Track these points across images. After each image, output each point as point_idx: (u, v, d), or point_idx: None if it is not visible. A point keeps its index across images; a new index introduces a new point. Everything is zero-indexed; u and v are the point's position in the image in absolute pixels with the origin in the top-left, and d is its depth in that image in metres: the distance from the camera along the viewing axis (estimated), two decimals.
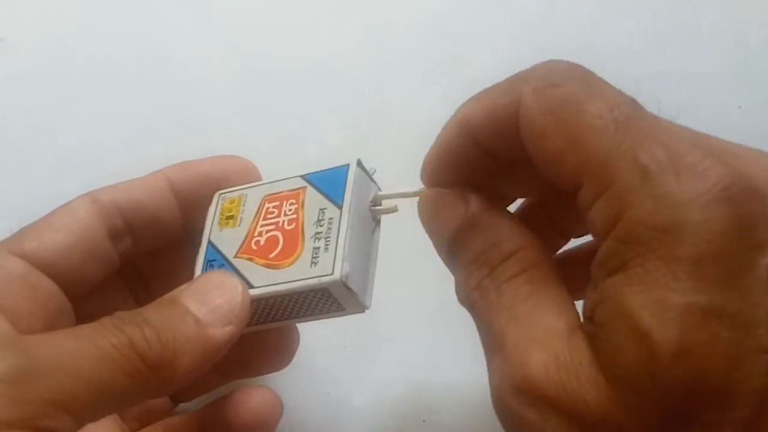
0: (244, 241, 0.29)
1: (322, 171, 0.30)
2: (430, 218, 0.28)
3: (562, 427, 0.21)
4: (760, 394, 0.20)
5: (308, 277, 0.26)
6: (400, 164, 0.43)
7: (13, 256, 0.28)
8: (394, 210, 0.30)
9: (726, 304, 0.20)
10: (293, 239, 0.28)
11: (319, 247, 0.27)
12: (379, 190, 0.31)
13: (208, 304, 0.26)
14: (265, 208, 0.29)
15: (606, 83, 0.25)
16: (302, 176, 0.30)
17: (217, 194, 0.31)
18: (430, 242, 0.40)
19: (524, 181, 0.28)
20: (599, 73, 0.46)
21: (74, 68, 0.46)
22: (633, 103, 0.24)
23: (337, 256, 0.26)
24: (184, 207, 0.31)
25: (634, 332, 0.20)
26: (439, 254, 0.29)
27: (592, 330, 0.22)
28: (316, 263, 0.27)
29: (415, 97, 0.45)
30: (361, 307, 0.28)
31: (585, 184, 0.22)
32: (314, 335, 0.38)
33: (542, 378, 0.22)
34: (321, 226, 0.27)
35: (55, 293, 0.28)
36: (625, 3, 0.47)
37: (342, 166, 0.29)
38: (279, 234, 0.28)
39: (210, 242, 0.29)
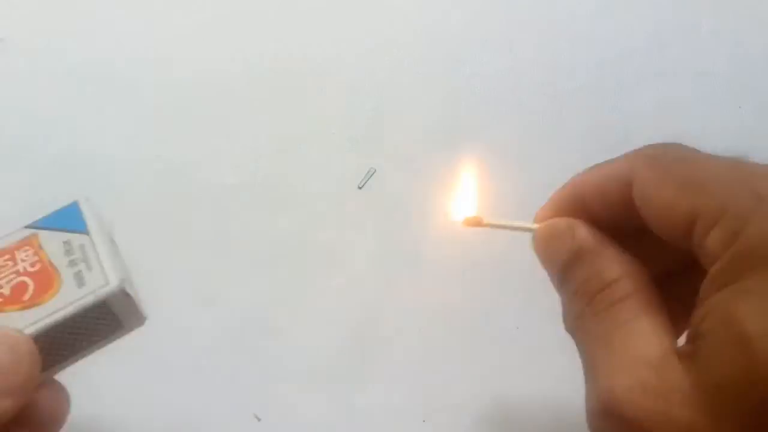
0: None
1: (46, 216, 0.30)
2: (542, 250, 0.29)
3: None
4: None
5: (82, 296, 0.26)
6: (400, 164, 0.43)
7: None
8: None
9: None
10: (45, 275, 0.27)
11: (80, 270, 0.27)
12: (111, 222, 0.31)
13: None
14: None
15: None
16: (27, 226, 0.30)
17: None
18: (429, 245, 0.40)
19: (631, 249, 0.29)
20: (599, 73, 0.46)
21: (74, 68, 0.46)
22: (736, 157, 0.25)
23: (105, 268, 0.27)
24: None
25: (736, 338, 0.20)
26: (552, 283, 0.29)
27: (691, 347, 0.22)
28: (84, 283, 0.27)
29: (415, 97, 0.45)
30: (140, 318, 0.28)
31: (700, 218, 0.23)
32: (315, 336, 0.38)
33: (627, 402, 0.22)
34: (73, 254, 0.28)
35: None
36: (625, 3, 0.47)
37: (68, 205, 0.30)
38: (25, 278, 0.28)
39: None
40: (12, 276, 0.28)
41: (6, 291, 0.27)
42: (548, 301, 0.39)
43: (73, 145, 0.44)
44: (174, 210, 0.41)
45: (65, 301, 0.26)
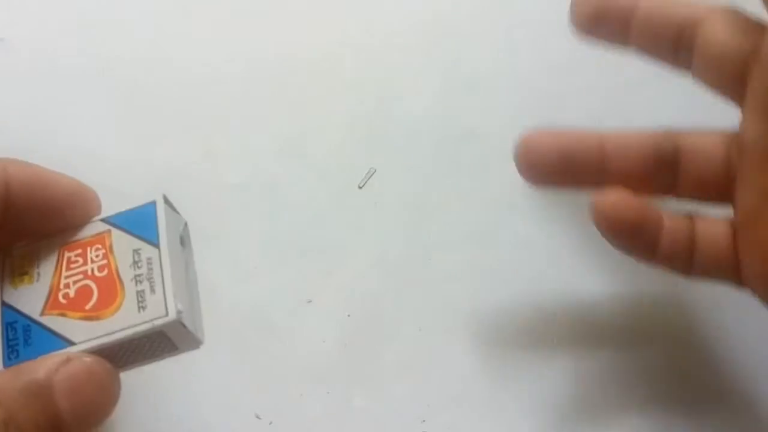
0: (48, 296, 0.27)
1: (123, 212, 0.28)
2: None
3: None
4: None
5: (140, 322, 0.26)
6: (400, 164, 0.43)
7: None
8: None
9: None
10: (110, 286, 0.26)
11: (143, 290, 0.26)
12: (185, 222, 0.30)
13: (81, 407, 0.24)
14: (65, 258, 0.27)
15: None
16: (102, 219, 0.28)
17: (0, 253, 0.28)
18: (428, 245, 0.40)
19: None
20: (599, 73, 0.46)
21: (74, 68, 0.46)
22: None
23: (167, 296, 0.26)
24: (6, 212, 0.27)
25: None
26: None
27: None
28: (144, 307, 0.26)
29: (415, 96, 0.45)
30: (196, 344, 0.28)
31: None
32: (315, 335, 0.38)
33: None
34: (139, 267, 0.27)
35: None
36: None
37: (146, 204, 0.28)
38: (91, 283, 0.27)
39: (4, 303, 0.27)
40: (80, 276, 0.27)
41: (71, 292, 0.27)
42: (548, 301, 0.39)
43: (73, 145, 0.44)
44: None
45: (123, 323, 0.26)
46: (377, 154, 0.43)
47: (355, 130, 0.44)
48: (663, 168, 0.29)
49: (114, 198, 0.43)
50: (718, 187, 0.29)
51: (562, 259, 0.40)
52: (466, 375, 0.37)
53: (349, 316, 0.39)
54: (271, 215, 0.42)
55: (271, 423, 0.36)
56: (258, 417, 0.36)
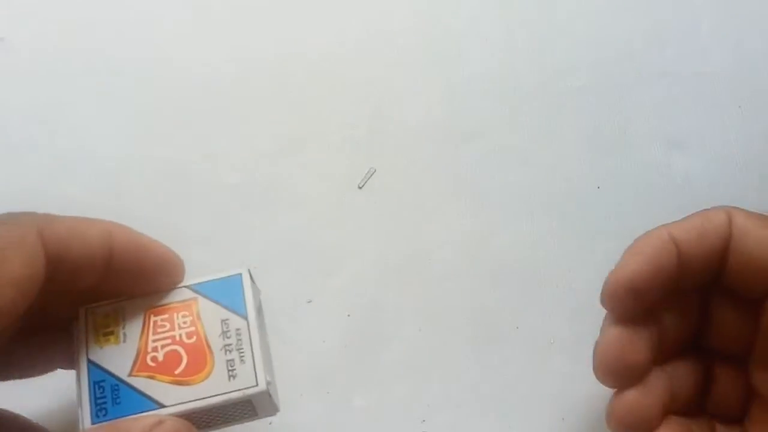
0: (137, 358, 0.27)
1: (209, 281, 0.29)
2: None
3: None
4: None
5: (230, 390, 0.27)
6: (400, 164, 0.43)
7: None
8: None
9: None
10: (199, 353, 0.27)
11: (233, 359, 0.27)
12: (260, 291, 0.31)
13: None
14: (152, 322, 0.28)
15: None
16: (188, 287, 0.29)
17: (83, 309, 0.29)
18: (429, 244, 0.40)
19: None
20: (599, 73, 0.46)
21: (74, 68, 0.46)
22: None
23: (257, 367, 0.27)
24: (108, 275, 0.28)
25: None
26: None
27: None
28: (234, 376, 0.27)
29: (414, 96, 0.45)
30: (274, 410, 0.29)
31: None
32: (315, 336, 0.38)
33: None
34: (228, 337, 0.28)
35: None
36: (625, 3, 0.47)
37: (232, 275, 0.29)
38: (179, 348, 0.28)
39: (90, 361, 0.27)
40: (168, 341, 0.28)
41: (160, 356, 0.27)
42: (548, 301, 0.39)
43: (73, 146, 0.44)
44: (174, 210, 0.41)
45: (213, 390, 0.27)
46: (377, 154, 0.43)
47: (355, 130, 0.44)
48: (698, 396, 0.32)
49: (114, 199, 0.43)
50: (740, 413, 0.31)
51: (562, 258, 0.40)
52: (466, 375, 0.37)
53: (349, 316, 0.39)
54: (271, 215, 0.42)
55: (270, 423, 0.36)
56: None
